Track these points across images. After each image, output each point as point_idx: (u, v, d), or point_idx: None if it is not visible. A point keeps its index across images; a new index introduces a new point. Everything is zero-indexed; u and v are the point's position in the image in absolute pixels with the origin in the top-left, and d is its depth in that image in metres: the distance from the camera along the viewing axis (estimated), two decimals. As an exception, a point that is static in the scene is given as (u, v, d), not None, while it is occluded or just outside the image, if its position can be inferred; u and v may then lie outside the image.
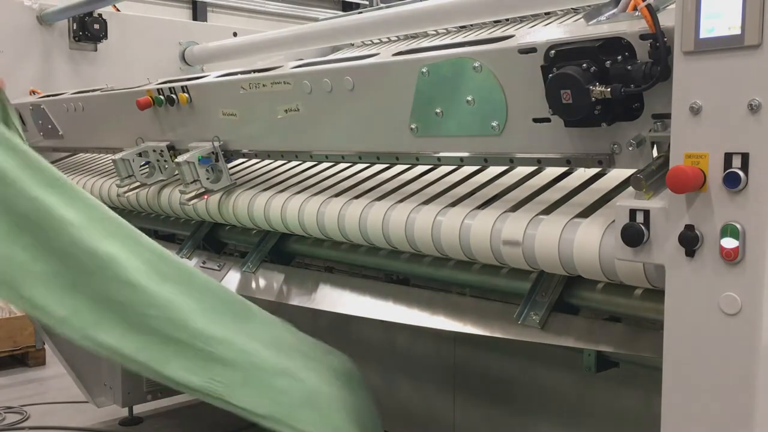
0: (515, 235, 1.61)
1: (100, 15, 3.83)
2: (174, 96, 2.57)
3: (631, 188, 1.43)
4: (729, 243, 1.20)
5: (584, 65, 1.41)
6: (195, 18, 14.55)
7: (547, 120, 1.56)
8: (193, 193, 2.48)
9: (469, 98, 1.70)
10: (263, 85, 2.23)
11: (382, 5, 3.97)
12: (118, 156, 2.81)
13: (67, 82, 3.81)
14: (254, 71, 2.35)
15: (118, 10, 4.05)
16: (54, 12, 3.70)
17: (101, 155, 3.50)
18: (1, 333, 5.70)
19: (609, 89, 1.38)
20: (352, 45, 4.41)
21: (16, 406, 5.01)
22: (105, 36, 3.85)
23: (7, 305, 5.96)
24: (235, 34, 4.28)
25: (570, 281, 1.75)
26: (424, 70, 1.78)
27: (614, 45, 1.41)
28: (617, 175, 1.67)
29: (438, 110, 1.78)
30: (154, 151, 2.78)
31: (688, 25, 1.23)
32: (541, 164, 1.71)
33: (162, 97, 2.62)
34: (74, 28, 3.79)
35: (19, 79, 3.68)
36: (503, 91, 1.64)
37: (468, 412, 2.64)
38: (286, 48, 3.92)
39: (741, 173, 1.18)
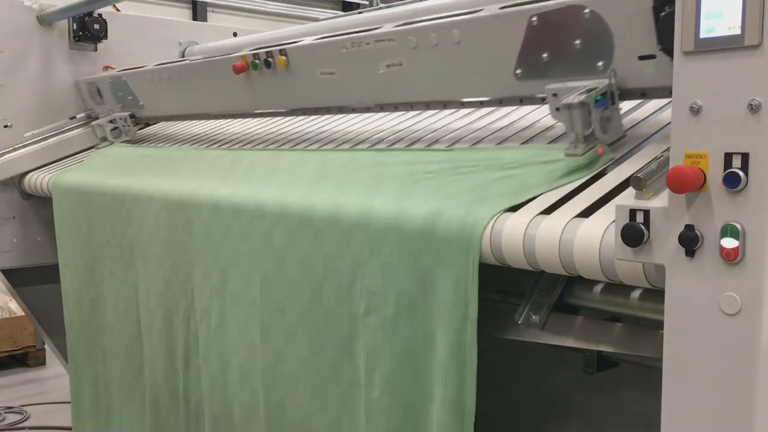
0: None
1: (100, 15, 3.83)
2: (271, 59, 2.62)
3: (631, 188, 1.43)
4: (729, 243, 1.20)
5: None
6: (195, 18, 14.56)
7: (653, 57, 1.59)
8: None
9: (577, 42, 1.74)
10: (366, 44, 2.29)
11: (382, 5, 3.97)
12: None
13: (67, 82, 3.81)
14: (355, 32, 2.41)
15: (118, 10, 4.05)
16: (54, 12, 3.70)
17: (182, 122, 3.62)
18: (1, 333, 5.71)
19: None
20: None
21: (16, 406, 5.03)
22: (105, 36, 3.85)
23: (7, 305, 5.95)
24: (235, 34, 4.27)
25: (570, 281, 1.75)
26: (533, 19, 1.83)
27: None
28: (617, 175, 1.67)
29: (545, 55, 1.83)
30: None
31: (688, 25, 1.23)
32: (645, 96, 1.74)
33: (258, 61, 2.67)
34: (74, 28, 3.78)
35: (18, 79, 3.68)
36: (611, 32, 1.68)
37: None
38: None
39: (741, 173, 1.18)
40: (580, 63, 1.77)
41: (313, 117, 2.88)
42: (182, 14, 14.54)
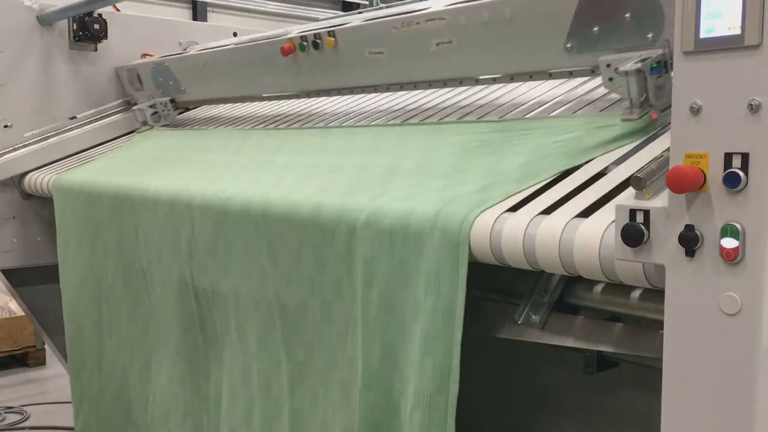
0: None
1: (100, 15, 3.83)
2: (319, 41, 2.69)
3: (631, 188, 1.43)
4: (729, 243, 1.20)
5: None
6: (195, 18, 14.57)
7: None
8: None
9: (628, 14, 1.80)
10: (416, 23, 2.34)
11: (382, 5, 3.97)
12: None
13: (67, 82, 3.81)
14: (405, 12, 2.45)
15: (118, 10, 4.05)
16: (54, 12, 3.70)
17: (221, 106, 3.68)
18: (1, 333, 5.71)
19: None
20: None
21: (16, 406, 5.03)
22: (105, 36, 3.85)
23: (7, 305, 5.96)
24: (235, 34, 4.27)
25: (570, 281, 1.75)
26: None
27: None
28: (617, 175, 1.67)
29: (595, 29, 1.88)
30: None
31: (688, 25, 1.23)
32: None
33: (306, 43, 2.75)
34: (74, 28, 3.78)
35: (18, 79, 3.68)
36: (661, 3, 1.73)
37: (468, 412, 2.63)
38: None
39: (741, 173, 1.18)
40: (630, 35, 1.82)
41: (359, 96, 2.91)
42: (182, 14, 14.54)
